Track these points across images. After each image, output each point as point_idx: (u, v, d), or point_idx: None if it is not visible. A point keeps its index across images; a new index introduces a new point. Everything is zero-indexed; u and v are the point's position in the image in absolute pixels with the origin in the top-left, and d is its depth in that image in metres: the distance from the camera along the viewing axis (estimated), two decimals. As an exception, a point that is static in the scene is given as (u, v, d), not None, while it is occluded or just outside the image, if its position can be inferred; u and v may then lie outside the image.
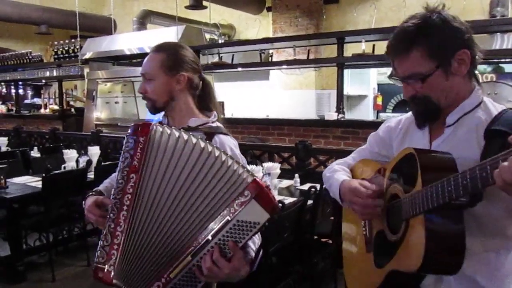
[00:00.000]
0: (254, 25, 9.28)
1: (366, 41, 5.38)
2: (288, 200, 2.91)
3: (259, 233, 1.32)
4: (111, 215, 1.27)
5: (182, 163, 1.22)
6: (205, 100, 1.64)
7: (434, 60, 1.15)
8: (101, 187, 1.59)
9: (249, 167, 3.17)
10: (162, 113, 1.62)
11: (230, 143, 1.52)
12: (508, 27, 4.82)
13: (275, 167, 3.47)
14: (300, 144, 4.46)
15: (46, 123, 8.83)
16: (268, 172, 3.31)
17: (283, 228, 2.62)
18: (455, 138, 1.18)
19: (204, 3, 7.67)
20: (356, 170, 1.53)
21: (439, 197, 0.99)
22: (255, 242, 1.35)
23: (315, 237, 3.17)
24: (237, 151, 1.53)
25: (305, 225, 2.90)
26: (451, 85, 1.17)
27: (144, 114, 6.72)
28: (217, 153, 1.21)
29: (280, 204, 2.42)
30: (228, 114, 6.94)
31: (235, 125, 6.17)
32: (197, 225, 1.21)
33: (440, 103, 1.19)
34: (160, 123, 1.56)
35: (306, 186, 3.46)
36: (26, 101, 11.71)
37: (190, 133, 1.28)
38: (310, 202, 2.94)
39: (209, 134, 1.50)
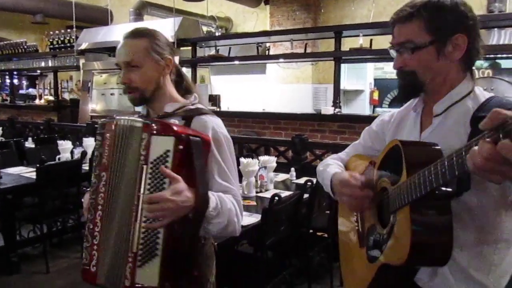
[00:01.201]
0: (251, 18, 9.23)
1: (363, 35, 5.35)
2: (284, 193, 2.90)
3: (236, 208, 1.39)
4: (89, 216, 1.30)
5: (128, 148, 1.27)
6: (182, 84, 1.57)
7: (430, 34, 1.14)
8: None
9: (245, 160, 3.16)
10: None
11: (212, 122, 1.45)
12: (505, 22, 4.82)
13: (271, 161, 3.46)
14: (296, 138, 4.46)
15: (41, 114, 8.77)
16: (264, 166, 3.30)
17: (279, 222, 2.61)
18: (444, 128, 1.17)
19: (202, -5, 7.62)
20: (349, 164, 1.53)
21: (421, 187, 0.98)
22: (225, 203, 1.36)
23: (311, 231, 3.17)
24: (220, 130, 1.45)
25: (301, 218, 2.90)
26: (441, 68, 1.16)
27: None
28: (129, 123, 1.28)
29: (276, 198, 2.41)
30: (224, 107, 6.92)
31: (232, 118, 6.15)
32: (132, 192, 1.24)
33: (426, 82, 1.18)
34: (138, 112, 1.56)
35: (302, 180, 3.46)
36: (21, 91, 11.63)
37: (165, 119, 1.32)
38: (306, 196, 2.93)
39: (188, 118, 1.45)
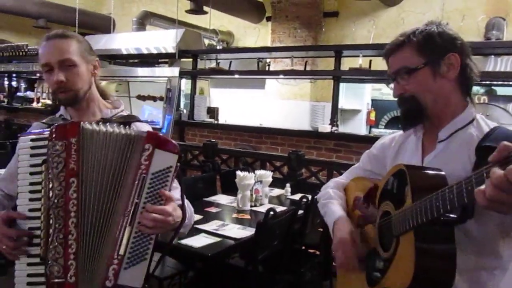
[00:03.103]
0: (253, 34, 9.32)
1: (363, 56, 5.42)
2: (279, 209, 2.90)
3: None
4: (57, 225, 1.22)
5: (112, 154, 1.26)
6: (98, 88, 1.60)
7: (422, 57, 1.18)
8: None
9: (241, 173, 3.17)
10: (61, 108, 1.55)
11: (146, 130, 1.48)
12: (502, 50, 4.91)
13: (267, 175, 3.47)
14: (293, 154, 4.47)
15: (38, 117, 8.74)
16: (260, 180, 3.31)
17: (273, 236, 2.62)
18: (447, 154, 1.19)
19: (205, 8, 7.70)
20: (349, 188, 1.54)
21: (427, 212, 0.99)
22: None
23: (303, 247, 3.17)
24: None
25: (294, 234, 2.90)
26: (439, 88, 1.19)
27: (138, 115, 6.65)
28: (128, 132, 1.28)
29: (271, 212, 2.42)
30: (222, 120, 6.94)
31: (229, 131, 6.17)
32: (126, 197, 1.24)
33: (427, 105, 1.20)
34: (64, 119, 1.50)
35: (296, 196, 3.46)
36: (18, 94, 11.60)
37: (108, 124, 1.32)
38: (300, 212, 2.94)
39: (126, 124, 1.45)
